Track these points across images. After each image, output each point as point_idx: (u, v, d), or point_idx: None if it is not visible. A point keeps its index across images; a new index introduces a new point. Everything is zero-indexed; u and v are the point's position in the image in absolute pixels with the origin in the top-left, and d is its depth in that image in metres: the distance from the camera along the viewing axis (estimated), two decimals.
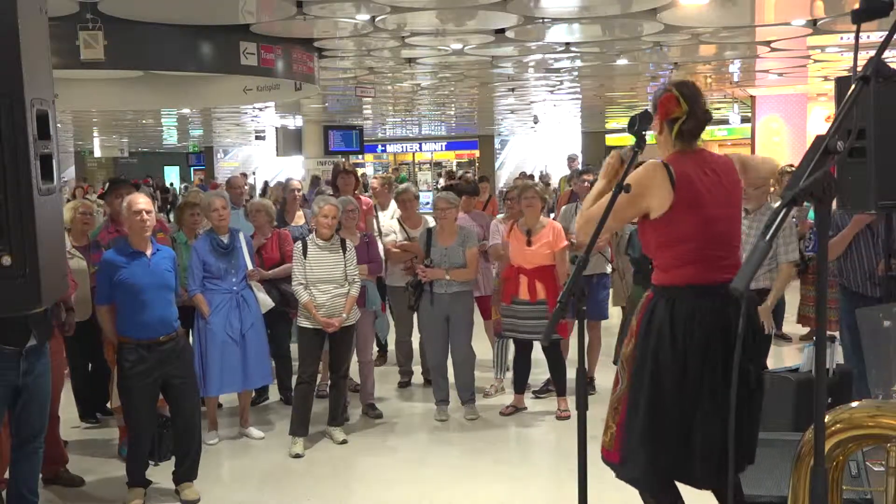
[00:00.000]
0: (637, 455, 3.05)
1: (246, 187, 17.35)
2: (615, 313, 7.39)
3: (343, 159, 18.26)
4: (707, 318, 2.96)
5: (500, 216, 7.07)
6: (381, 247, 6.67)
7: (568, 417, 6.02)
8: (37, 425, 4.16)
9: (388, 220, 7.32)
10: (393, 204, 7.75)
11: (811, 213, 7.43)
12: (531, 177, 16.52)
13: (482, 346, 6.88)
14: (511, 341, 6.62)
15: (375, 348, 7.24)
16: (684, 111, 3.03)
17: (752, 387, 2.98)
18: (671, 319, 3.00)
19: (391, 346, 7.66)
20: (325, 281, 5.53)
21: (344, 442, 5.70)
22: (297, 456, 5.44)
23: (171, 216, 11.30)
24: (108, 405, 5.78)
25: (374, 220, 7.23)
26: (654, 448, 3.01)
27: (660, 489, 3.16)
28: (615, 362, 5.81)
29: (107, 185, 6.67)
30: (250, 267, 5.79)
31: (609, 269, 6.51)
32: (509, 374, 6.88)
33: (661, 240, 3.09)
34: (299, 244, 5.65)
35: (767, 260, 5.24)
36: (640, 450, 3.04)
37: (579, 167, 14.99)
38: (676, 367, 2.98)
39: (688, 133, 3.08)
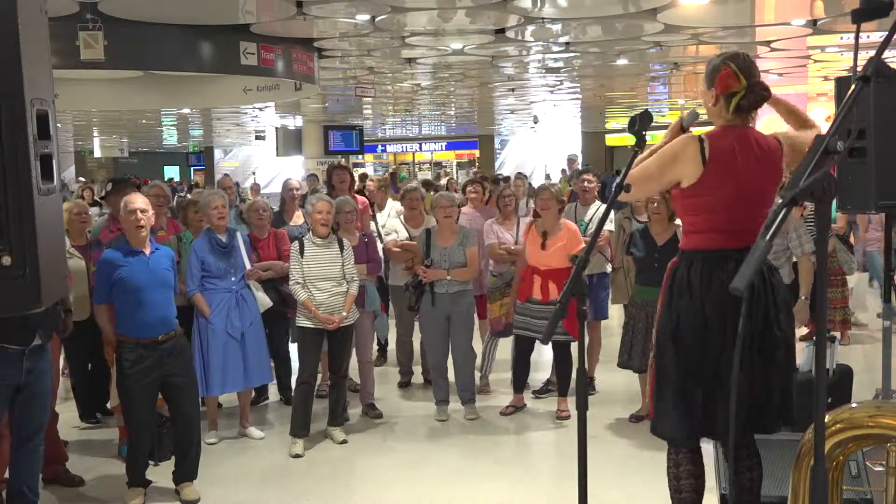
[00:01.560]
0: (669, 414, 3.16)
1: (248, 185, 17.49)
2: (615, 313, 7.39)
3: (342, 159, 18.32)
4: (724, 277, 3.03)
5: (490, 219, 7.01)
6: (379, 246, 6.68)
7: (568, 417, 6.02)
8: (38, 422, 4.17)
9: (388, 219, 7.34)
10: (389, 203, 7.77)
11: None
12: (523, 177, 16.38)
13: (482, 345, 6.88)
14: (498, 342, 6.73)
15: (375, 348, 7.25)
16: (743, 86, 3.08)
17: (780, 351, 3.11)
18: (689, 278, 3.10)
19: (391, 346, 7.66)
20: (322, 279, 5.53)
21: (344, 442, 5.70)
22: (297, 456, 5.44)
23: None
24: (108, 405, 5.78)
25: (371, 220, 7.24)
26: (684, 405, 3.11)
27: (687, 443, 3.25)
28: (619, 365, 5.82)
29: (109, 184, 6.68)
30: (248, 266, 5.80)
31: (609, 268, 6.51)
32: (494, 376, 6.92)
33: (688, 207, 3.18)
34: (296, 243, 5.65)
35: (774, 254, 5.29)
36: (671, 409, 3.15)
37: (579, 167, 14.97)
38: (697, 323, 3.07)
39: (747, 108, 3.12)
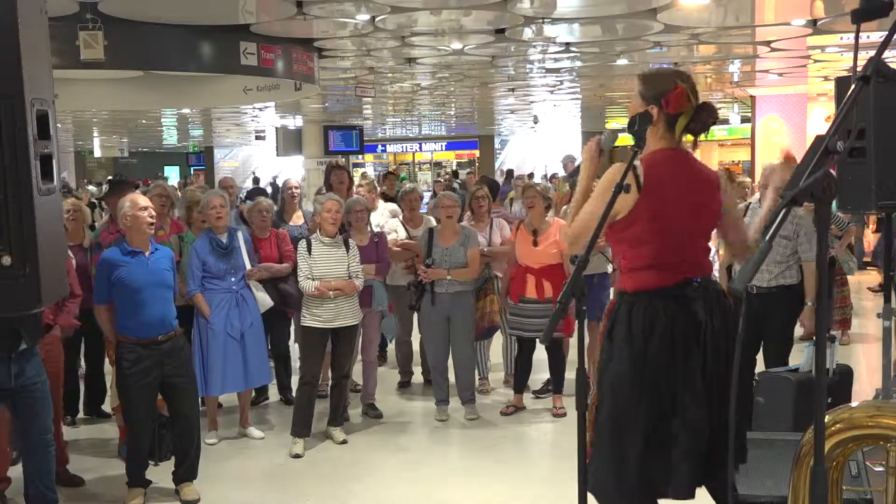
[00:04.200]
0: (606, 473, 2.90)
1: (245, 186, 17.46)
2: None
3: (341, 159, 18.29)
4: (665, 321, 2.87)
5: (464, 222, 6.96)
6: None
7: (564, 415, 6.04)
8: (43, 424, 4.15)
9: (385, 220, 7.33)
10: (382, 205, 7.75)
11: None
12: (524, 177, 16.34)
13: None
14: (489, 343, 6.77)
15: None
16: (692, 106, 2.94)
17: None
18: (629, 325, 2.90)
19: (391, 346, 7.65)
20: (328, 278, 5.53)
21: (344, 442, 5.70)
22: (298, 456, 5.44)
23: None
24: (108, 405, 5.77)
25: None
26: (621, 464, 2.86)
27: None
28: None
29: (108, 184, 6.68)
30: (249, 266, 5.79)
31: (609, 268, 6.51)
32: (493, 375, 6.92)
33: (623, 241, 2.97)
34: (303, 242, 5.66)
35: (785, 258, 5.28)
36: (608, 468, 2.89)
37: (578, 166, 14.93)
38: (635, 373, 2.85)
39: (696, 131, 2.98)
